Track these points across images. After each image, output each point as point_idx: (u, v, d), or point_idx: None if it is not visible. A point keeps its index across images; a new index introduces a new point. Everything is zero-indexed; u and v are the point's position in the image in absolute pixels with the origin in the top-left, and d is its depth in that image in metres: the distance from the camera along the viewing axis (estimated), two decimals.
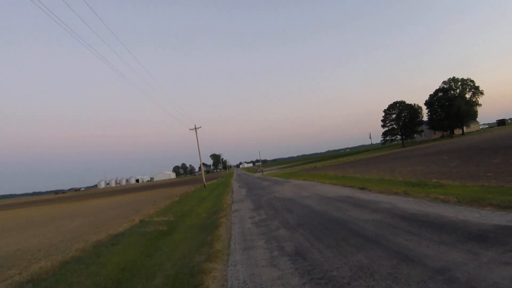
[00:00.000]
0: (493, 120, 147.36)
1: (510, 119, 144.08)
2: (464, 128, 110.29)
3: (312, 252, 7.50)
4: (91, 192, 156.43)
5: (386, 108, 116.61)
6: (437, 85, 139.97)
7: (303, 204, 15.06)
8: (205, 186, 55.24)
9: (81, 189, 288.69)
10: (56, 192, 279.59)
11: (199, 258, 8.60)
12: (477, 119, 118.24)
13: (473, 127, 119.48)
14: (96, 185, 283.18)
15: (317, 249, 7.63)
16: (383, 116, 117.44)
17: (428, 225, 8.12)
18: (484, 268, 5.17)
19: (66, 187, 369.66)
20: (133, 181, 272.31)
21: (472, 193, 10.94)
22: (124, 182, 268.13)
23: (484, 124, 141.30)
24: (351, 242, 7.75)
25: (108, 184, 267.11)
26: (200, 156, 59.68)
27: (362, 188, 17.18)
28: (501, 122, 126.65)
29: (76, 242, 14.68)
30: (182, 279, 7.15)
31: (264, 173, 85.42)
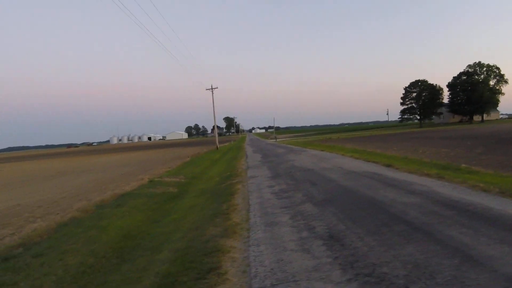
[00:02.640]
0: None
1: None
2: (484, 115, 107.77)
3: (350, 237, 6.29)
4: (103, 148, 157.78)
5: (407, 85, 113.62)
6: (460, 68, 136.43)
7: (327, 177, 13.82)
8: (217, 148, 54.37)
9: (94, 143, 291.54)
10: (69, 146, 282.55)
11: (213, 231, 7.47)
12: (498, 108, 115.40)
13: (492, 115, 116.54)
14: (108, 141, 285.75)
15: (355, 234, 6.42)
16: (403, 94, 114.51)
17: (478, 217, 6.93)
18: None
19: (79, 141, 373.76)
20: (145, 138, 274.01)
21: None
22: (136, 139, 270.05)
23: (503, 114, 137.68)
24: (396, 229, 6.52)
25: (120, 140, 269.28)
26: (214, 118, 58.49)
27: (388, 166, 15.88)
28: None
29: (79, 200, 13.73)
30: (194, 256, 6.01)
31: (277, 140, 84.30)
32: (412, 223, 6.82)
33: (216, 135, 62.48)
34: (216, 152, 47.54)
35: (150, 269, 5.94)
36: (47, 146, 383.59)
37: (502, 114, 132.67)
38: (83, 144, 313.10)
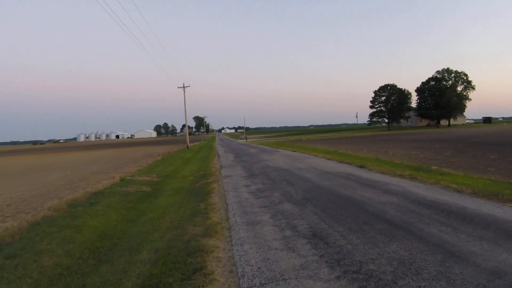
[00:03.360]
0: (478, 116, 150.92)
1: (499, 117, 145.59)
2: (451, 120, 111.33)
3: (333, 236, 6.34)
4: (70, 145, 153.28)
5: (376, 89, 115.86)
6: (428, 74, 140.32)
7: (303, 177, 13.89)
8: (188, 147, 53.76)
9: (60, 141, 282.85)
10: (35, 142, 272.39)
11: (194, 231, 7.34)
12: (464, 113, 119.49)
13: (459, 120, 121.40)
14: (75, 138, 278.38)
15: (338, 233, 6.48)
16: (372, 97, 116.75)
17: (455, 216, 7.21)
18: None
19: (45, 138, 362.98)
20: (113, 136, 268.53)
21: (485, 186, 10.14)
22: (104, 137, 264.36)
23: (469, 119, 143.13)
24: (377, 227, 6.65)
25: (87, 138, 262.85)
26: (186, 116, 57.55)
27: (361, 166, 16.19)
28: (487, 120, 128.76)
29: (50, 198, 13.17)
30: (177, 257, 5.86)
31: (248, 140, 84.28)
32: (392, 222, 6.97)
33: (187, 134, 61.79)
34: (187, 151, 47.02)
35: (131, 270, 5.72)
36: (12, 143, 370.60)
37: (468, 119, 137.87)
38: (49, 141, 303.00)
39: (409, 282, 4.38)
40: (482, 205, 8.00)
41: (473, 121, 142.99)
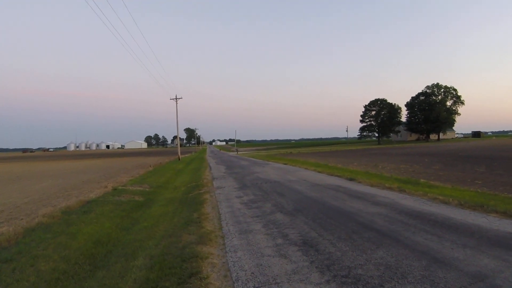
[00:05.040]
0: (467, 130, 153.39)
1: (488, 132, 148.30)
2: (441, 134, 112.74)
3: (323, 243, 6.60)
4: (60, 154, 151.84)
5: (367, 104, 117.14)
6: (418, 89, 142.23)
7: (294, 189, 14.16)
8: (179, 159, 53.71)
9: (50, 149, 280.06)
10: (24, 150, 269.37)
11: (188, 239, 7.52)
12: (453, 128, 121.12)
13: (448, 134, 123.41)
14: (65, 147, 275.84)
15: (328, 241, 6.74)
16: (363, 111, 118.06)
17: (440, 225, 7.54)
18: None
19: (34, 146, 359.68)
20: (103, 146, 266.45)
21: (471, 198, 10.49)
22: (94, 147, 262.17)
23: (459, 133, 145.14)
24: (365, 236, 6.93)
25: (78, 147, 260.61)
26: (177, 128, 57.47)
27: (351, 179, 16.51)
28: (476, 134, 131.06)
29: (43, 205, 13.24)
30: (172, 263, 6.04)
31: (239, 152, 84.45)
32: (380, 231, 7.25)
33: (179, 146, 61.67)
34: (178, 162, 47.02)
35: (127, 275, 5.87)
36: (1, 150, 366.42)
37: (457, 133, 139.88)
38: (38, 149, 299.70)
39: (395, 285, 4.64)
40: (467, 215, 8.32)
41: (462, 136, 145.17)
